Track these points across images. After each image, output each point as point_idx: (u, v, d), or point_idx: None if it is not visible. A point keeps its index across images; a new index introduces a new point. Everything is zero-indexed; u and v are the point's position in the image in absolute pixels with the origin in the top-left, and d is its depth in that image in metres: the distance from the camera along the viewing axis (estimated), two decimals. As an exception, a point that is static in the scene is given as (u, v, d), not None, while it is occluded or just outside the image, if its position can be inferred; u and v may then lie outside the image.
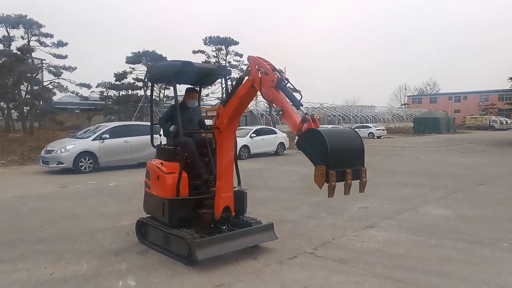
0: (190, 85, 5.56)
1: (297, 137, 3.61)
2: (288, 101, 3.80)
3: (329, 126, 24.74)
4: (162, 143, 5.47)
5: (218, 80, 6.19)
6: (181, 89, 5.72)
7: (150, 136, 5.90)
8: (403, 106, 77.60)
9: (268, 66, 3.92)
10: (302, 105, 3.76)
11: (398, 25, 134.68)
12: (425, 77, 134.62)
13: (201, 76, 5.38)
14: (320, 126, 3.73)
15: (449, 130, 48.02)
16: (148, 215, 5.27)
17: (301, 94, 3.89)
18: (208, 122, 5.25)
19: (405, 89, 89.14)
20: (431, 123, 46.27)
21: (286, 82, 3.88)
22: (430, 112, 52.74)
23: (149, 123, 6.30)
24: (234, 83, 4.48)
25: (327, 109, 48.40)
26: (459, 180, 10.67)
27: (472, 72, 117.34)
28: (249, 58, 4.14)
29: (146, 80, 26.40)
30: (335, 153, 3.35)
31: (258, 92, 4.14)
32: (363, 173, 3.56)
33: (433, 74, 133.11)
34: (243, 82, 4.22)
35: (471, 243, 5.22)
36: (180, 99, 5.29)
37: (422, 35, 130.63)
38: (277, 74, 3.86)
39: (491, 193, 8.79)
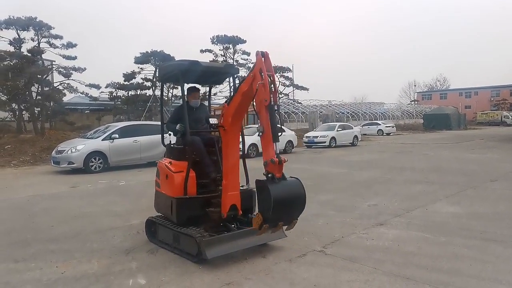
0: (199, 84, 5.58)
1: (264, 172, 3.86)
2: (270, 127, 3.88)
3: (337, 124, 24.60)
4: (172, 143, 5.50)
5: (227, 79, 6.19)
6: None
7: (160, 135, 5.91)
8: (412, 103, 76.91)
9: (268, 80, 3.90)
10: (278, 141, 3.89)
11: (406, 20, 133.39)
12: (435, 72, 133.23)
13: (209, 75, 5.39)
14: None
15: (460, 126, 47.42)
16: (158, 214, 5.31)
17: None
18: (212, 120, 5.19)
19: (415, 85, 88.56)
20: (441, 119, 45.73)
21: (277, 108, 3.98)
22: (440, 109, 52.12)
23: (158, 123, 6.30)
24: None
25: (336, 106, 48.14)
26: (470, 177, 10.54)
27: (483, 67, 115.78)
28: (256, 54, 4.13)
29: (157, 80, 26.51)
30: (274, 216, 3.82)
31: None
32: (293, 224, 4.16)
33: (443, 69, 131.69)
34: (246, 78, 4.23)
35: (483, 240, 5.15)
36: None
37: (431, 29, 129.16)
38: (272, 94, 3.88)
39: (503, 190, 8.67)
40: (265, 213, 3.82)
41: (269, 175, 3.82)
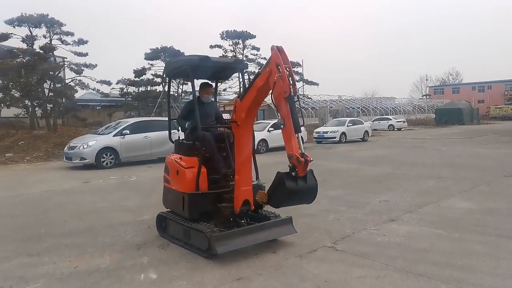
0: (207, 79, 5.57)
1: (291, 164, 3.93)
2: (291, 118, 3.89)
3: (348, 119, 24.40)
4: (180, 138, 5.51)
5: (235, 74, 6.17)
6: (196, 84, 5.72)
7: (168, 131, 5.95)
8: (424, 97, 75.93)
9: (286, 72, 3.88)
10: (300, 132, 3.94)
11: (418, 13, 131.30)
12: (447, 66, 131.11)
13: (218, 70, 5.38)
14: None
15: (473, 121, 46.71)
16: (168, 210, 5.34)
17: (302, 110, 3.99)
18: (226, 116, 5.20)
19: (427, 80, 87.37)
20: (454, 114, 45.11)
21: (297, 99, 3.97)
22: (452, 103, 51.38)
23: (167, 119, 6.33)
24: (252, 77, 4.47)
25: (346, 101, 47.77)
26: (483, 172, 10.37)
27: (497, 60, 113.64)
28: (272, 48, 4.09)
29: (164, 76, 26.60)
30: (280, 206, 4.24)
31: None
32: None
33: (456, 63, 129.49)
34: (261, 73, 4.21)
35: (497, 236, 5.07)
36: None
37: (444, 22, 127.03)
38: (291, 85, 3.86)
39: (518, 185, 8.51)
40: (273, 200, 4.13)
41: (292, 173, 3.91)
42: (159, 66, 29.37)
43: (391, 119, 38.03)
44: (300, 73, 36.22)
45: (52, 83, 23.45)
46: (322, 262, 4.31)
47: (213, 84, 5.82)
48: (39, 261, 4.55)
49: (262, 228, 4.72)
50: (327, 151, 18.14)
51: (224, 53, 32.53)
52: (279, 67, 3.90)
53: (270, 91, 4.02)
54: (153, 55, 29.01)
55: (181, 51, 27.68)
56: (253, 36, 32.84)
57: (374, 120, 37.52)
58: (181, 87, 30.44)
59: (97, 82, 25.04)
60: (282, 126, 3.91)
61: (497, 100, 70.10)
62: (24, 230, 5.90)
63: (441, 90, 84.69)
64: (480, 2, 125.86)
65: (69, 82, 24.82)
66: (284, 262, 4.32)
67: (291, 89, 3.84)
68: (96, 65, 24.32)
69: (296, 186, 3.94)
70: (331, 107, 38.60)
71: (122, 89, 29.64)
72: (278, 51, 4.00)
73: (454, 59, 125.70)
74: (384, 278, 3.86)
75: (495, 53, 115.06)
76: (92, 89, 25.85)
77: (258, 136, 15.58)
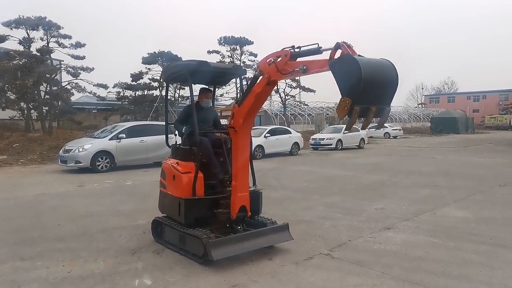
0: (205, 85, 5.58)
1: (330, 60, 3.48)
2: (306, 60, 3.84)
3: (344, 126, 24.45)
4: (177, 143, 5.49)
5: (232, 80, 6.19)
6: (195, 88, 5.74)
7: (165, 135, 5.94)
8: (420, 106, 76.47)
9: (278, 53, 4.01)
10: (321, 48, 3.70)
11: (413, 21, 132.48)
12: (443, 75, 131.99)
13: (216, 76, 5.39)
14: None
15: (468, 130, 47.01)
16: (164, 215, 5.31)
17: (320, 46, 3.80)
18: (224, 121, 5.20)
19: (422, 89, 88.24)
20: (449, 123, 45.41)
21: (299, 48, 3.92)
22: (447, 112, 51.72)
23: (164, 123, 6.34)
24: (248, 82, 4.48)
25: (342, 108, 47.85)
26: (478, 181, 10.42)
27: (492, 70, 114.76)
28: (258, 64, 4.24)
29: (162, 80, 26.61)
30: (366, 90, 3.18)
31: (273, 92, 4.19)
32: (386, 113, 3.53)
33: (451, 72, 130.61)
34: (258, 80, 4.23)
35: (492, 245, 5.08)
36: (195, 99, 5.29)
37: (440, 31, 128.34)
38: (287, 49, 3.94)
39: (513, 195, 8.55)
40: (353, 90, 3.22)
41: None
42: (156, 70, 29.36)
43: (387, 127, 38.05)
44: (297, 79, 36.32)
45: (48, 86, 23.36)
46: (318, 270, 4.29)
47: (211, 89, 5.83)
48: (32, 265, 4.50)
49: (259, 235, 4.70)
50: (323, 158, 18.17)
51: (221, 59, 32.61)
52: (270, 61, 4.00)
53: (268, 98, 4.07)
54: (150, 59, 29.03)
55: (179, 56, 27.71)
56: (250, 42, 32.97)
57: (370, 128, 37.64)
58: (178, 91, 30.44)
59: (93, 85, 24.96)
60: (305, 68, 3.73)
61: (491, 109, 70.74)
62: (18, 233, 5.83)
63: (436, 99, 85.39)
64: (477, 12, 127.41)
65: (66, 85, 24.74)
66: (280, 269, 4.29)
67: (289, 49, 3.89)
68: (93, 68, 24.28)
69: (368, 61, 3.25)
70: (327, 114, 38.71)
71: (118, 92, 29.59)
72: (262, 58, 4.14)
73: (450, 69, 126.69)
74: (380, 287, 3.85)
75: (490, 63, 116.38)
76: (89, 93, 25.78)
77: (255, 142, 15.59)
